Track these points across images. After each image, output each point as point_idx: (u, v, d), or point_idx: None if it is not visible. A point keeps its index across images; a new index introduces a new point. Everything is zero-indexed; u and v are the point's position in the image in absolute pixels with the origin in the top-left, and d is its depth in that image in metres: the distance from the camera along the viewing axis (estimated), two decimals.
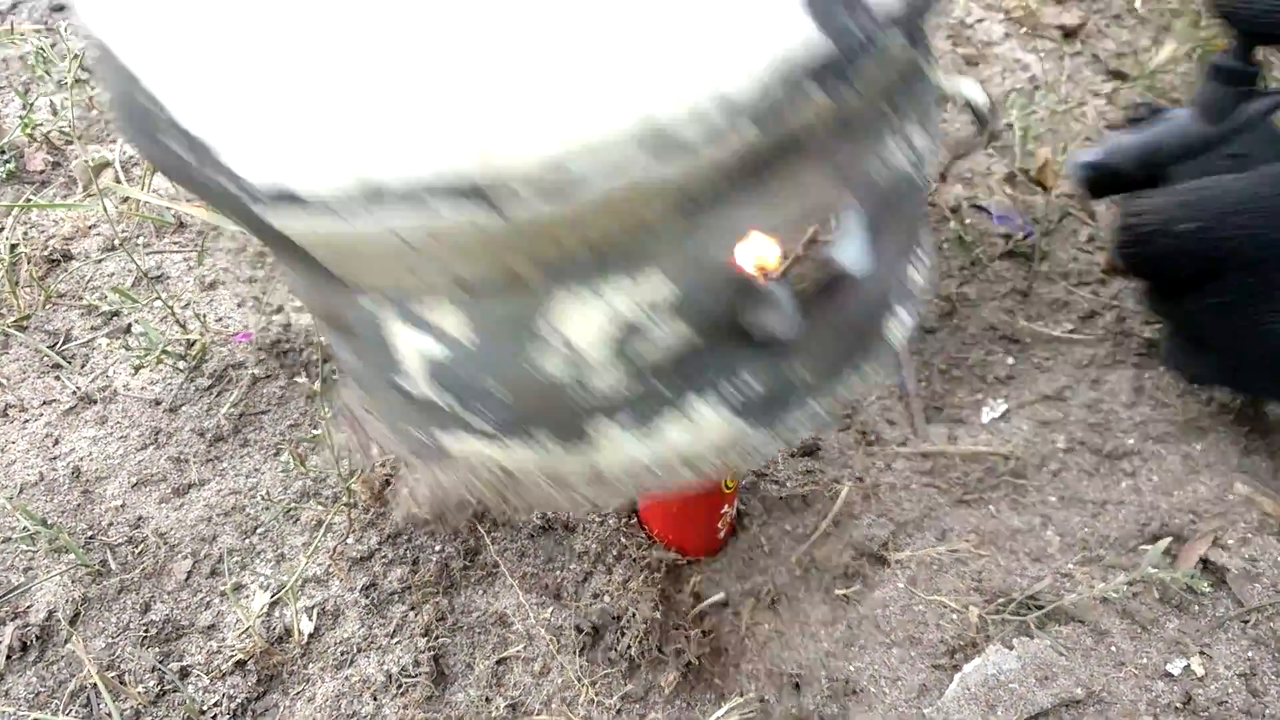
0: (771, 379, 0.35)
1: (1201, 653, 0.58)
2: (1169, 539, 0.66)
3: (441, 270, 0.28)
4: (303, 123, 0.25)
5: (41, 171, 0.90)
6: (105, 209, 0.80)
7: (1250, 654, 0.57)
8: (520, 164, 0.24)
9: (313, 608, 0.58)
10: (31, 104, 0.97)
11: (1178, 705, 0.55)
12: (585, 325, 0.30)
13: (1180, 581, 0.62)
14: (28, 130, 0.92)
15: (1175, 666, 0.58)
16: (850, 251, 0.31)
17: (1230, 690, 0.55)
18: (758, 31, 0.24)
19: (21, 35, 1.10)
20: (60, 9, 1.14)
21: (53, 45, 1.08)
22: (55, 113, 0.97)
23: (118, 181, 0.86)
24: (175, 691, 0.54)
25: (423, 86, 0.24)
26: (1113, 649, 0.60)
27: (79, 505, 0.63)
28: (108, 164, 0.89)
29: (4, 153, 0.91)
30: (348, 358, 0.38)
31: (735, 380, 0.34)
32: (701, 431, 0.35)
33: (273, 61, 0.25)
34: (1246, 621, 0.59)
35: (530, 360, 0.31)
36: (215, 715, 0.54)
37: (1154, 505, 0.69)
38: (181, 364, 0.71)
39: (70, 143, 0.94)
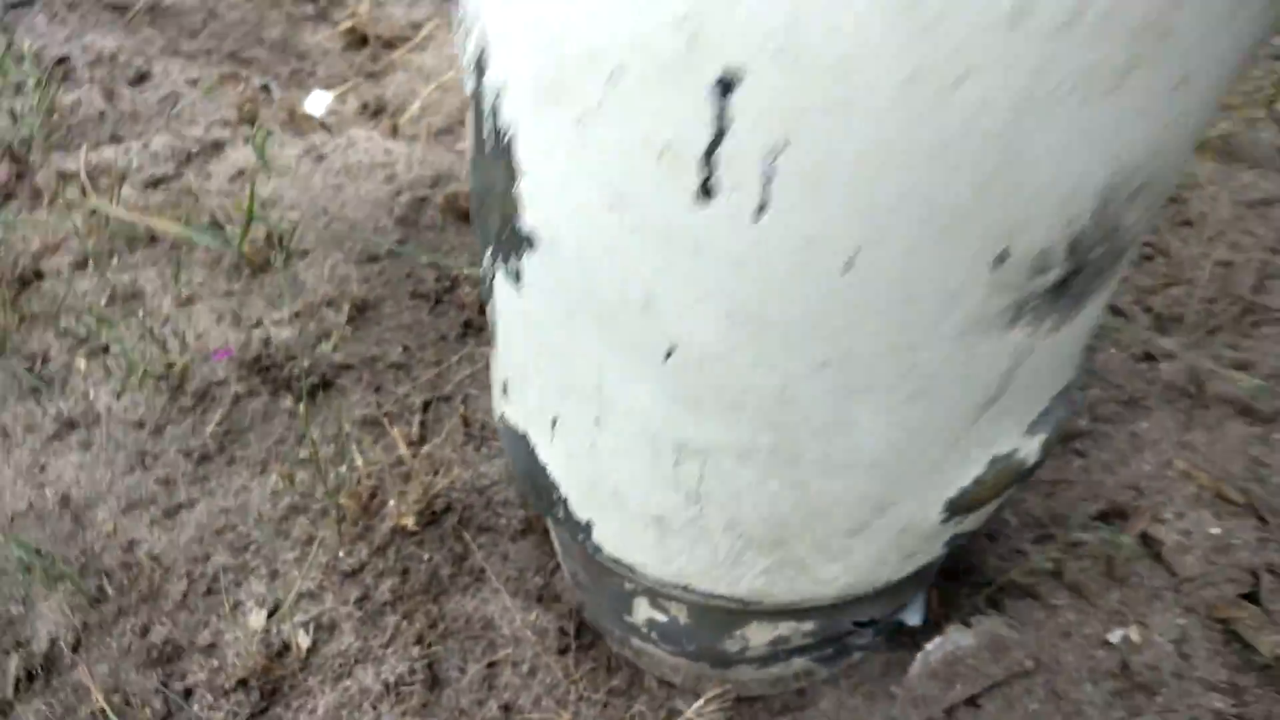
0: (842, 649, 0.61)
1: (1138, 622, 0.62)
2: (1114, 515, 0.70)
3: (700, 604, 0.50)
4: (644, 542, 0.46)
5: (4, 183, 0.89)
6: (75, 225, 0.80)
7: (1181, 621, 0.62)
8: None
9: (309, 622, 0.61)
10: None
11: (1115, 671, 0.60)
12: (761, 635, 0.55)
13: (1122, 555, 0.66)
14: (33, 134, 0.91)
15: (1115, 636, 0.62)
16: (915, 616, 0.62)
17: (1163, 655, 0.60)
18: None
19: None
20: (15, 6, 1.11)
21: (8, 46, 1.05)
22: (15, 119, 0.96)
23: (84, 194, 0.86)
24: (181, 711, 0.57)
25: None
26: (1060, 621, 0.65)
27: (71, 532, 0.64)
28: (73, 175, 0.88)
29: None
30: (579, 570, 0.60)
31: (824, 650, 0.59)
32: (792, 668, 0.60)
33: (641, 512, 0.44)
34: (1179, 591, 0.64)
35: (718, 640, 0.55)
36: None
37: (1101, 483, 0.73)
38: (163, 384, 0.72)
39: (32, 152, 0.93)
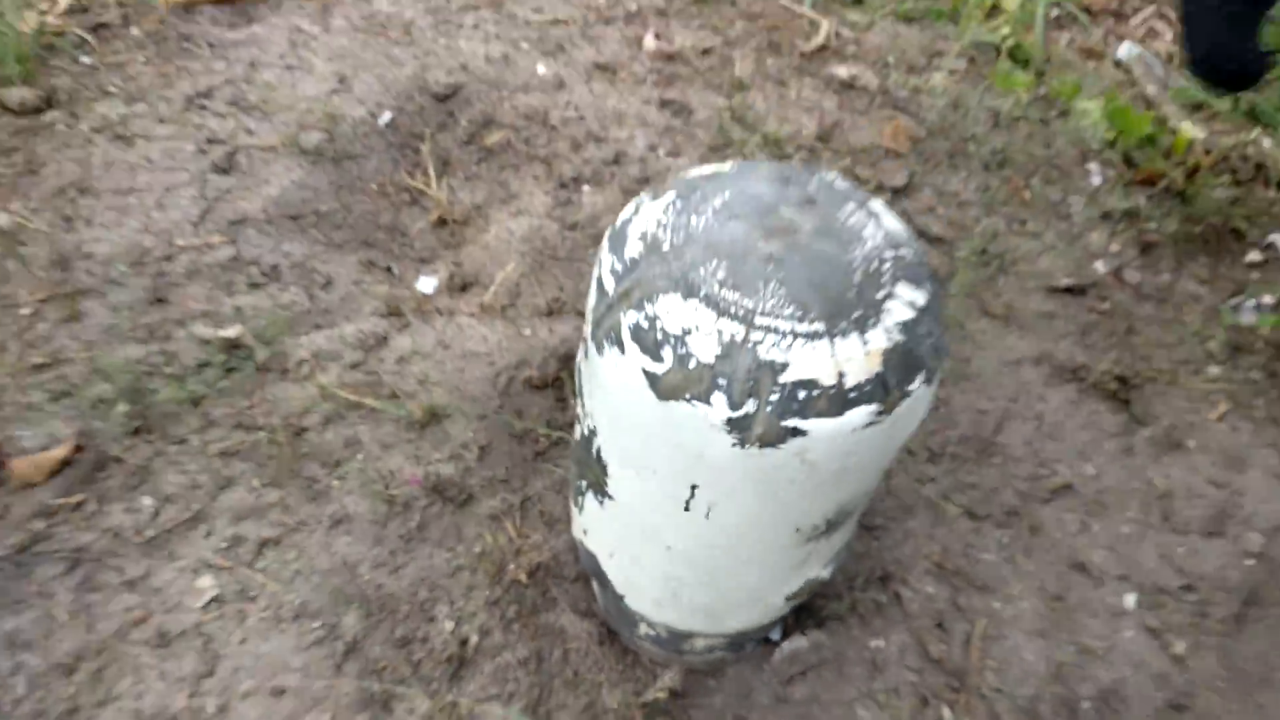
0: (740, 647, 1.23)
1: (884, 638, 1.27)
2: (887, 578, 1.35)
3: (672, 630, 1.10)
4: (656, 609, 1.05)
5: (264, 362, 1.49)
6: (313, 397, 1.41)
7: (904, 638, 1.26)
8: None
9: (476, 628, 1.23)
10: (240, 307, 1.56)
11: (870, 662, 1.24)
12: (701, 643, 1.13)
13: (884, 602, 1.31)
14: (273, 326, 1.51)
15: (873, 644, 1.27)
16: (776, 634, 1.25)
17: (891, 655, 1.24)
18: None
19: (210, 245, 1.66)
20: (240, 222, 1.70)
21: (233, 257, 1.64)
22: (256, 315, 1.55)
23: (313, 373, 1.46)
24: (418, 668, 1.19)
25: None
26: (851, 635, 1.29)
27: (352, 579, 1.26)
28: (305, 359, 1.48)
29: (241, 346, 1.50)
30: (610, 605, 1.14)
31: (731, 648, 1.20)
32: (715, 655, 1.19)
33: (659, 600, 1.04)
34: (905, 622, 1.28)
35: (680, 644, 1.13)
36: (438, 677, 1.19)
37: (882, 557, 1.38)
38: (383, 499, 1.34)
39: (280, 334, 1.52)
